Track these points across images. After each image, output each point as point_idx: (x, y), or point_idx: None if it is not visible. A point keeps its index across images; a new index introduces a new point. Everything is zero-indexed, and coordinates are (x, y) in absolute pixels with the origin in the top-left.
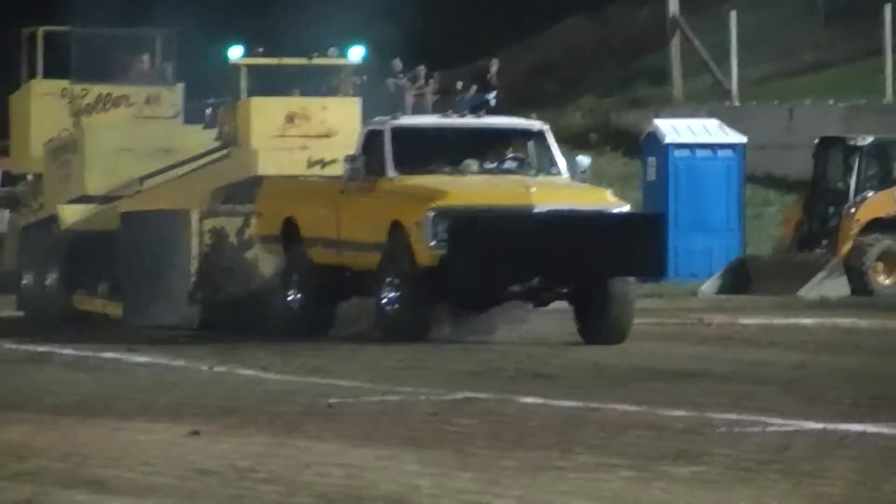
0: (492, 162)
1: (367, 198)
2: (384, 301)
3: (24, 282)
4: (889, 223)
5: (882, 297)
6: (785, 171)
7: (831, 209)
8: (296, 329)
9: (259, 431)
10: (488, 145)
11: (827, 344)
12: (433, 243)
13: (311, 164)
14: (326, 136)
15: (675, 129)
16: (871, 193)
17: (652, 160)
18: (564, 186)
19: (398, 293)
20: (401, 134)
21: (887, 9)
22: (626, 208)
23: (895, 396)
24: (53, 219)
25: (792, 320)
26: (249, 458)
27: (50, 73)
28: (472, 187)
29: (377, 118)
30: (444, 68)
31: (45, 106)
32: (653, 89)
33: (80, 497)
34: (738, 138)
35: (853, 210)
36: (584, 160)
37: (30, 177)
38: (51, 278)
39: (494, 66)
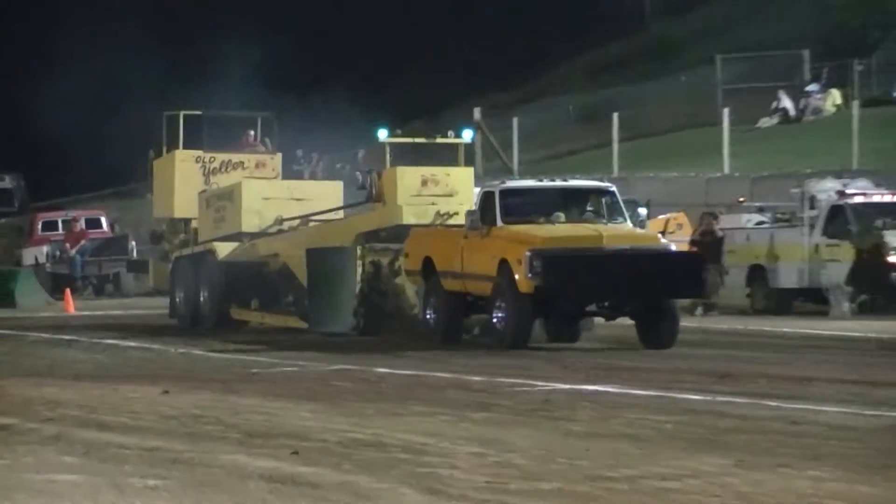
0: (574, 213)
1: (482, 241)
2: (495, 319)
3: (176, 299)
4: None
5: None
6: None
7: None
8: (434, 339)
9: (207, 390)
10: (572, 200)
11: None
12: (530, 275)
13: (438, 216)
14: (450, 195)
15: None
16: None
17: None
18: (627, 231)
19: (505, 313)
20: (506, 193)
21: (615, 116)
22: (673, 247)
23: (624, 367)
24: (208, 252)
25: None
26: (200, 408)
27: (186, 145)
28: (558, 233)
29: (489, 182)
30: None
31: (185, 169)
32: None
33: (90, 434)
34: None
35: None
36: (642, 211)
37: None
38: (203, 296)
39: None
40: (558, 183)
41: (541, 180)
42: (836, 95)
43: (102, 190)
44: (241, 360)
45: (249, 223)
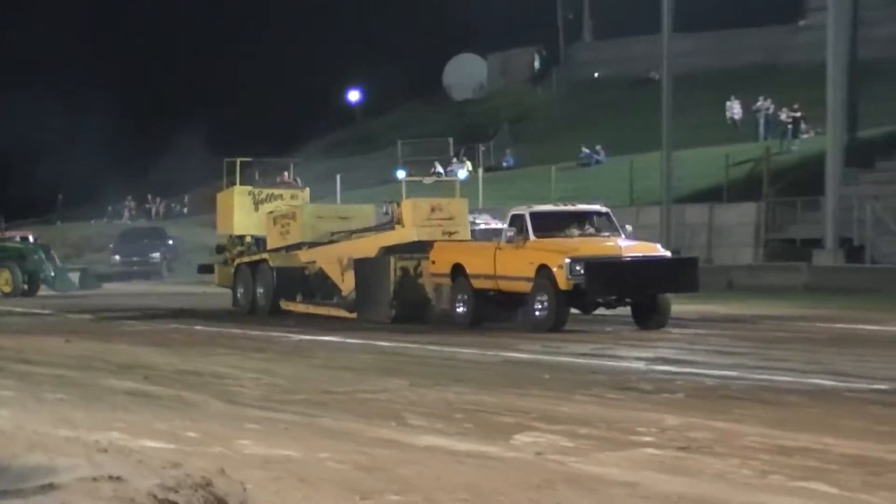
0: (583, 229)
1: (518, 251)
2: (537, 309)
3: (237, 294)
4: None
5: None
6: None
7: None
8: (462, 325)
9: (96, 340)
10: (581, 220)
11: None
12: (569, 276)
13: (443, 234)
14: (451, 218)
15: None
16: None
17: None
18: (637, 244)
19: (545, 304)
20: (535, 215)
21: (338, 177)
22: (669, 254)
23: (346, 326)
24: (262, 260)
25: None
26: (92, 352)
27: (242, 182)
28: (586, 244)
29: (516, 206)
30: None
31: (241, 199)
32: None
33: (22, 367)
34: None
35: None
36: (629, 228)
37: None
38: (259, 292)
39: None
40: (570, 207)
41: (556, 205)
42: (468, 164)
43: (27, 218)
44: (122, 323)
45: (307, 236)
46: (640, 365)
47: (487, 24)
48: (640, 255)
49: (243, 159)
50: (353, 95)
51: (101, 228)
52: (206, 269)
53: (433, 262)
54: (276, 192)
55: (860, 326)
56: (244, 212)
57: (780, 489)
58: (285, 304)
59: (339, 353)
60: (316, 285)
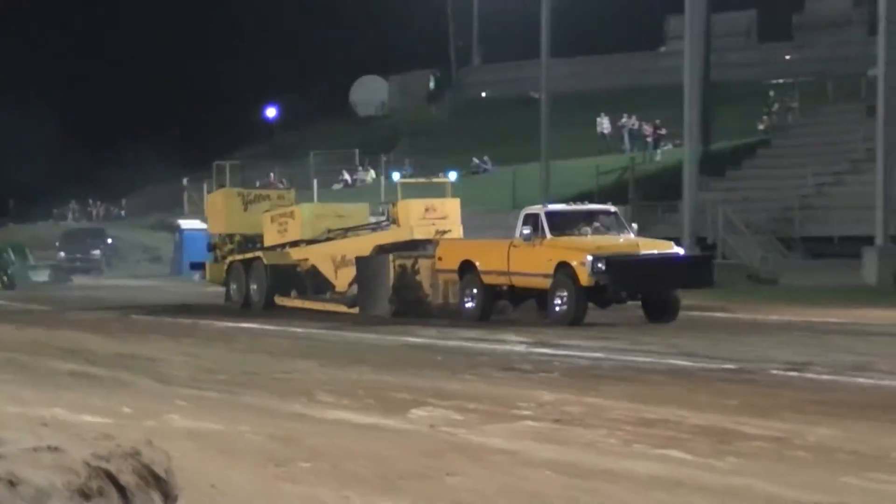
0: (594, 228)
1: (535, 248)
2: (556, 304)
3: (230, 290)
4: None
5: None
6: None
7: None
8: (472, 319)
9: (41, 326)
10: (591, 219)
11: None
12: (591, 273)
13: (437, 233)
14: (444, 218)
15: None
16: None
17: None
18: (653, 241)
19: (565, 300)
20: (551, 214)
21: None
22: (682, 251)
23: (263, 314)
24: (256, 258)
25: None
26: (41, 336)
27: (231, 184)
28: (604, 242)
29: (529, 206)
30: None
31: (229, 200)
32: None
33: None
34: None
35: None
36: (635, 226)
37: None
38: (253, 288)
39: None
40: (582, 206)
41: (569, 204)
42: (372, 173)
43: None
44: (71, 312)
45: (305, 233)
46: (522, 348)
47: (389, 50)
48: (659, 252)
49: (232, 162)
50: (271, 112)
51: (48, 229)
52: (196, 266)
53: (440, 259)
54: (264, 193)
55: (712, 314)
56: (234, 212)
57: (641, 456)
58: (280, 300)
59: (258, 339)
60: (308, 282)
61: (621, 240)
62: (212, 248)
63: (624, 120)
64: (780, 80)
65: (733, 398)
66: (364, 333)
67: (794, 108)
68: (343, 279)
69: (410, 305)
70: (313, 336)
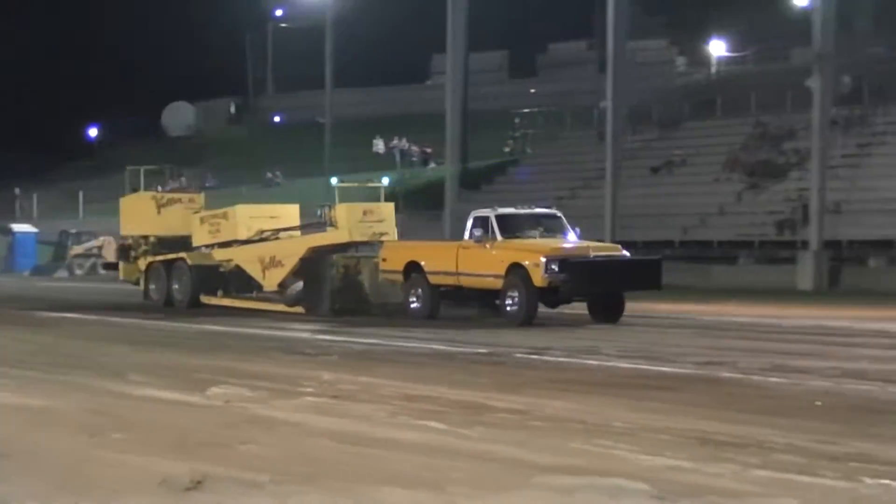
0: (540, 231)
1: (485, 250)
2: (508, 304)
3: (149, 289)
4: None
5: None
6: None
7: None
8: (418, 318)
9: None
10: (537, 222)
11: None
12: (545, 274)
13: (373, 235)
14: (381, 221)
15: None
16: None
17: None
18: (602, 244)
19: (517, 300)
20: (501, 217)
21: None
22: (628, 254)
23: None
24: (180, 258)
25: None
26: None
27: (145, 188)
28: (555, 244)
29: (479, 209)
30: None
31: (143, 203)
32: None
33: None
34: None
35: None
36: (577, 230)
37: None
38: (175, 288)
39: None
40: (529, 210)
41: (518, 208)
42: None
43: None
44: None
45: (239, 234)
46: (307, 335)
47: (195, 79)
48: (609, 255)
49: (147, 167)
50: (93, 131)
51: None
52: (110, 266)
53: (384, 260)
54: (176, 196)
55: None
56: (148, 214)
57: (405, 426)
58: (206, 299)
59: (78, 327)
60: (232, 282)
61: (570, 242)
62: (125, 248)
63: (394, 142)
64: (527, 110)
65: (484, 377)
66: (169, 322)
67: (530, 134)
68: (272, 279)
69: (352, 304)
70: (129, 324)
